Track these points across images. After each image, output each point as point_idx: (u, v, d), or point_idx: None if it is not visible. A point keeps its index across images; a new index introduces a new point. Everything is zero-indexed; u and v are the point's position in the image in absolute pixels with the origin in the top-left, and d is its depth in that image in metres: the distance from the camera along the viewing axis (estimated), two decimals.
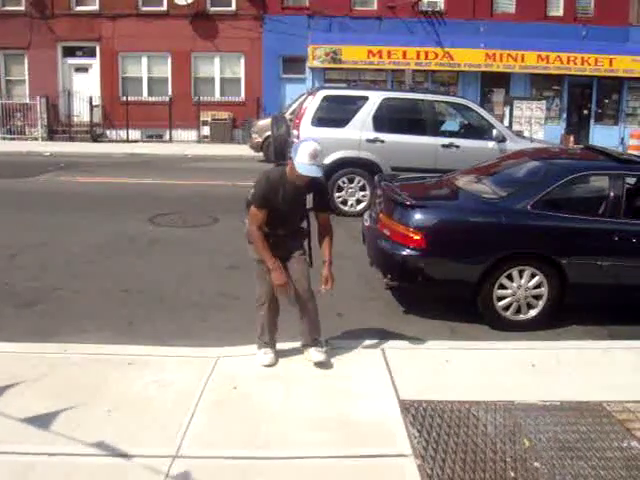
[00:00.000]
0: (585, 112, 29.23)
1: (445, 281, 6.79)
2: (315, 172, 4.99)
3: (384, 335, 6.39)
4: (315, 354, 5.54)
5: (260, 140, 20.91)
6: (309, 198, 5.28)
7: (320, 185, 5.35)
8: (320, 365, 5.52)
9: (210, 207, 12.83)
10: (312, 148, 4.97)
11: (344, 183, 12.62)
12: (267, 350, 5.58)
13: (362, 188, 12.63)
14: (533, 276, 6.86)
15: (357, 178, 12.57)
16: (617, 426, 4.80)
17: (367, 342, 6.12)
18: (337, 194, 12.57)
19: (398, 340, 6.24)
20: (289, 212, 5.33)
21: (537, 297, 6.96)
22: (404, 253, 6.66)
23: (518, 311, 6.99)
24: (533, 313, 7.00)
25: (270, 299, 5.54)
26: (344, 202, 12.71)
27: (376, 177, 8.59)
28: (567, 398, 5.17)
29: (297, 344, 5.81)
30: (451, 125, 14.08)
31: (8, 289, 7.77)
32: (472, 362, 5.79)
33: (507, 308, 6.96)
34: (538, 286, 6.91)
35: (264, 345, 5.61)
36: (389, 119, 12.64)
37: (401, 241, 6.68)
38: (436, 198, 7.71)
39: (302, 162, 4.96)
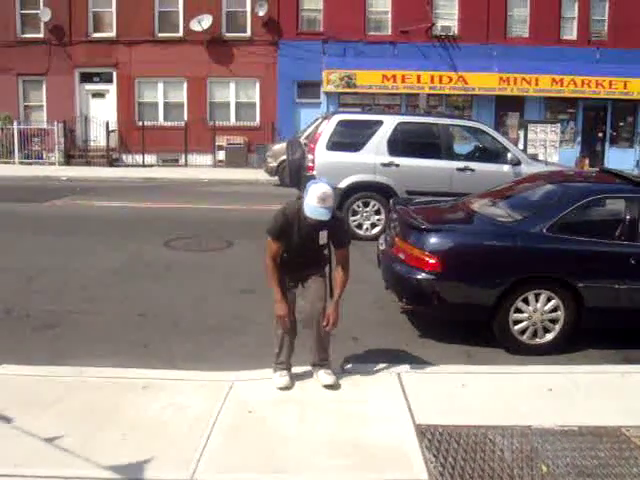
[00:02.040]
0: (600, 135, 29.12)
1: (461, 305, 6.74)
2: (322, 215, 5.01)
3: (400, 359, 6.36)
4: (323, 377, 5.53)
5: (275, 164, 21.05)
6: (322, 235, 5.30)
7: (335, 222, 5.31)
8: (329, 387, 5.50)
9: (225, 231, 12.77)
10: (321, 191, 4.98)
11: (359, 207, 12.55)
12: (282, 372, 5.55)
13: (377, 212, 12.57)
14: (549, 300, 6.81)
15: (372, 202, 12.53)
16: (636, 451, 4.73)
17: (383, 366, 6.08)
18: (352, 218, 12.50)
19: (414, 364, 6.21)
20: (304, 245, 5.35)
21: (553, 321, 6.89)
22: (419, 277, 6.64)
23: (534, 335, 6.93)
24: (550, 337, 6.93)
25: (286, 333, 5.60)
26: (359, 226, 12.60)
27: (391, 201, 8.57)
28: (585, 423, 5.10)
29: (317, 379, 5.74)
30: (466, 149, 14.10)
31: (25, 312, 7.77)
32: (488, 386, 5.73)
33: (523, 332, 6.90)
34: (554, 310, 6.85)
35: (280, 367, 5.60)
36: (404, 143, 12.60)
37: (416, 265, 6.67)
38: (451, 222, 7.66)
39: (310, 204, 5.01)
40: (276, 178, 20.91)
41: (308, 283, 5.49)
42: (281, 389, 5.52)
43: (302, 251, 5.35)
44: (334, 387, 5.51)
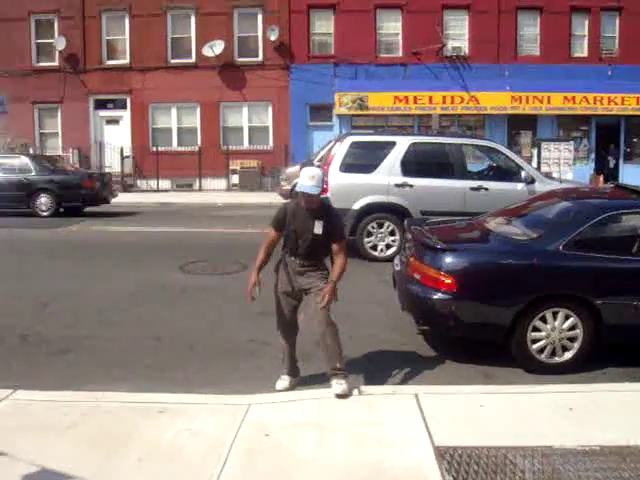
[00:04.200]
0: (614, 151, 29.01)
1: (477, 325, 6.67)
2: (310, 190, 5.44)
3: (417, 380, 6.30)
4: (334, 386, 5.56)
5: (289, 187, 20.54)
6: (318, 224, 5.59)
7: (328, 210, 5.70)
8: (340, 397, 5.51)
9: (239, 254, 12.56)
10: (311, 170, 5.54)
11: (374, 228, 12.43)
12: (284, 377, 5.99)
13: (392, 233, 12.43)
14: (567, 318, 6.72)
15: (386, 223, 12.40)
16: None
17: (400, 388, 6.02)
18: (367, 239, 12.40)
19: (431, 385, 6.12)
20: (301, 235, 5.65)
21: (572, 339, 6.80)
22: (435, 297, 6.58)
23: (553, 354, 6.83)
24: (568, 355, 6.83)
25: (283, 327, 5.92)
26: (374, 247, 12.49)
27: (405, 221, 8.53)
28: (607, 443, 4.99)
29: (330, 390, 5.74)
30: (479, 168, 14.04)
31: (41, 337, 7.74)
32: (507, 406, 5.64)
33: (541, 351, 6.80)
34: (572, 328, 6.75)
35: (284, 372, 6.04)
36: (417, 163, 12.52)
37: (432, 285, 6.62)
38: (466, 241, 7.65)
39: (301, 182, 5.50)
40: (290, 201, 20.58)
41: (311, 294, 5.67)
42: (279, 391, 5.86)
43: (300, 240, 5.67)
44: (346, 397, 5.53)
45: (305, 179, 5.47)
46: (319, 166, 5.73)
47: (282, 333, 5.96)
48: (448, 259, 6.61)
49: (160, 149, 27.73)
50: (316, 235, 5.60)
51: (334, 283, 5.55)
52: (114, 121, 28.73)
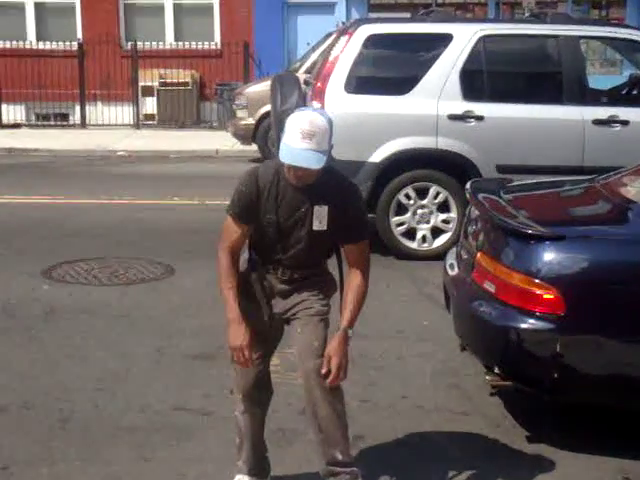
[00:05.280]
0: None
1: (607, 380, 5.18)
2: (307, 161, 3.84)
3: None
4: None
5: (252, 121, 15.28)
6: (319, 213, 4.06)
7: (342, 188, 4.16)
8: None
9: (161, 247, 9.52)
10: (308, 120, 3.87)
11: (409, 199, 9.01)
12: (242, 478, 4.61)
13: (443, 207, 9.13)
14: None
15: (433, 189, 9.06)
16: None
17: None
18: (395, 219, 9.10)
19: None
20: (289, 233, 4.15)
21: None
22: (525, 326, 5.18)
23: None
24: None
25: (245, 389, 4.39)
26: (409, 233, 9.13)
27: (469, 186, 6.58)
28: None
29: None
30: (611, 83, 11.28)
31: None
32: None
33: None
34: None
35: (241, 470, 4.56)
36: (492, 77, 9.17)
37: (519, 304, 5.22)
38: (585, 222, 6.14)
39: (289, 142, 3.84)
40: (254, 147, 15.47)
41: (298, 321, 4.27)
42: None
43: (285, 244, 4.19)
44: None
45: (294, 135, 3.82)
46: (323, 113, 3.94)
47: (242, 399, 4.37)
48: (550, 255, 5.18)
49: (5, 46, 19.77)
50: (315, 232, 4.09)
51: (346, 332, 4.11)
52: None
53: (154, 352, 6.69)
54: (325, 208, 4.03)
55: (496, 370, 5.57)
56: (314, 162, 3.77)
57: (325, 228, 4.03)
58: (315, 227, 4.03)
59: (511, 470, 5.09)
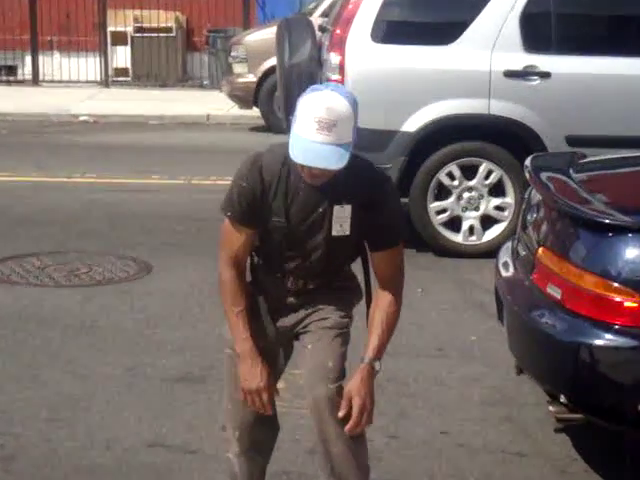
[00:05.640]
0: None
1: None
2: (326, 161, 3.36)
3: None
4: None
5: (253, 79, 13.79)
6: (340, 213, 3.65)
7: (369, 181, 3.68)
8: None
9: (132, 238, 8.73)
10: (325, 106, 3.29)
11: (452, 179, 8.11)
12: None
13: (495, 190, 8.18)
14: None
15: (483, 166, 8.07)
16: None
17: None
18: (435, 204, 8.19)
19: None
20: (302, 239, 3.71)
21: None
22: (600, 343, 4.70)
23: None
24: None
25: (248, 432, 3.90)
26: (452, 223, 8.25)
27: (528, 162, 5.62)
28: None
29: None
30: None
31: None
32: None
33: None
34: None
35: None
36: (563, 21, 8.12)
37: (593, 314, 4.72)
38: None
39: (301, 134, 3.34)
40: (256, 111, 13.94)
41: (311, 334, 3.83)
42: None
43: (297, 253, 3.75)
44: None
45: (309, 122, 3.29)
46: (346, 93, 3.29)
47: (238, 439, 3.86)
48: (634, 252, 4.66)
49: None
50: (335, 237, 3.67)
51: (372, 366, 3.61)
52: None
53: (124, 373, 6.05)
54: (348, 208, 3.64)
55: (562, 399, 4.95)
56: (334, 161, 3.32)
57: (347, 233, 3.63)
58: (335, 232, 3.63)
59: None
